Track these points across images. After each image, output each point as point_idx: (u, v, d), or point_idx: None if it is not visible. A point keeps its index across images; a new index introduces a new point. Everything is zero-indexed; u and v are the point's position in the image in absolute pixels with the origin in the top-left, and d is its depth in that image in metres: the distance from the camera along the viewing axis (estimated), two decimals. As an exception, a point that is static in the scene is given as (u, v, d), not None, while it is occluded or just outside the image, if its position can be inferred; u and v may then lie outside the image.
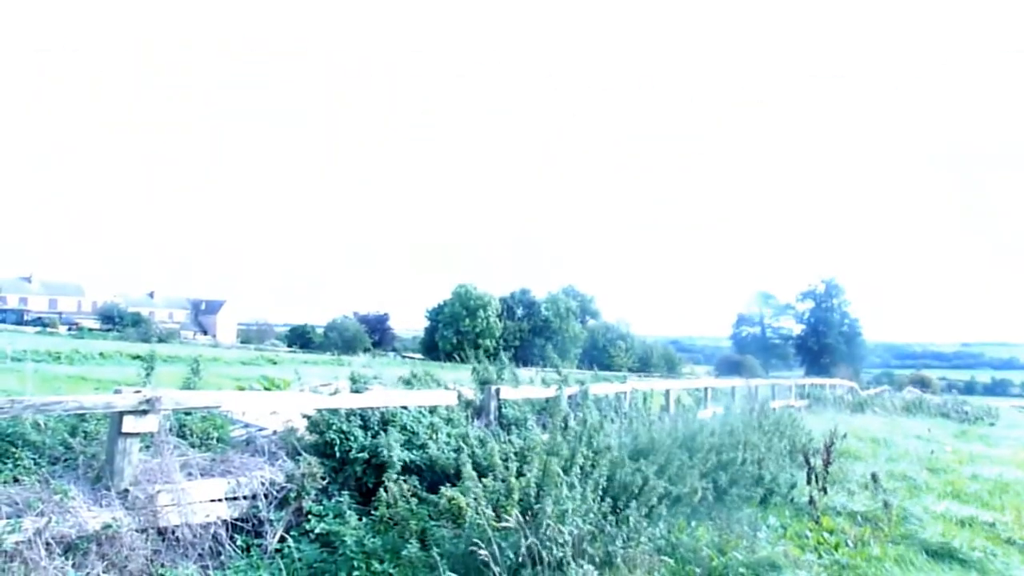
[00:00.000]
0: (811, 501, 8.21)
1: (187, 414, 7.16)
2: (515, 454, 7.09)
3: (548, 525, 5.70)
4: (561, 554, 5.58)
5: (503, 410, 9.21)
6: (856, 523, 8.00)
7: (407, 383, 9.03)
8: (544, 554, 5.52)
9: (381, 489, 6.76)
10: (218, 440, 7.23)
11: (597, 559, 5.87)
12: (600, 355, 66.16)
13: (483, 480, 6.30)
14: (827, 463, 8.39)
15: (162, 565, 5.70)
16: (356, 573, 5.82)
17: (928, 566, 6.85)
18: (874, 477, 9.67)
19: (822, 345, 79.89)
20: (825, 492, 8.38)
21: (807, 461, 8.33)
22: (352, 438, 7.26)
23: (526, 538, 5.59)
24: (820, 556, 6.83)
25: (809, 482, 8.30)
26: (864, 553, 7.00)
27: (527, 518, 5.87)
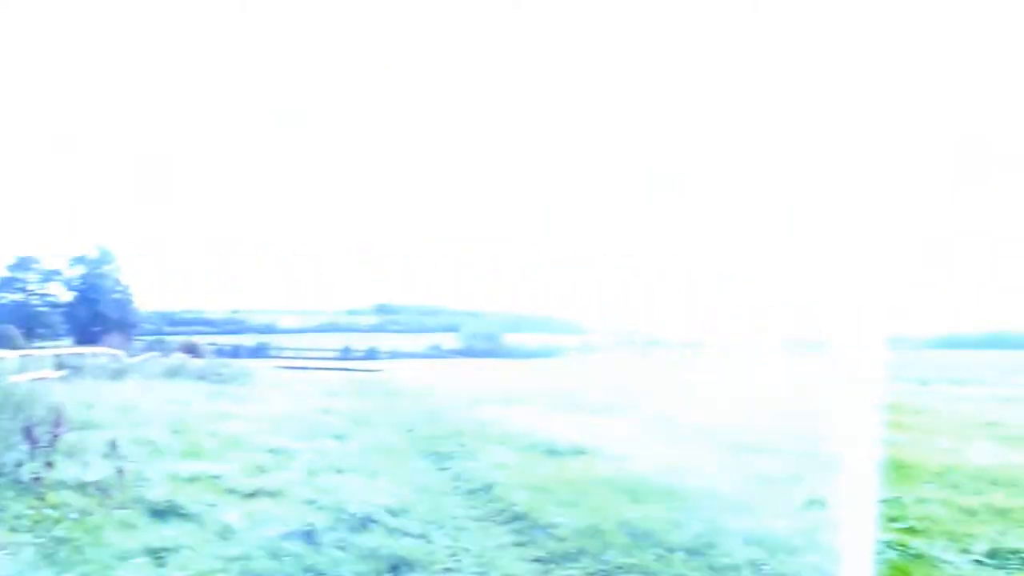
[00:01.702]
0: (37, 478, 7.77)
1: None
2: None
3: None
4: None
5: None
6: (86, 494, 7.85)
7: None
8: None
9: None
10: None
11: None
12: None
13: None
14: (56, 436, 8.06)
15: None
16: None
17: (150, 526, 7.10)
18: (113, 444, 9.60)
19: (93, 313, 77.02)
20: (51, 466, 8.01)
21: (31, 437, 7.86)
22: None
23: None
24: (37, 535, 6.50)
25: (34, 459, 7.85)
26: (85, 524, 6.91)
27: None
